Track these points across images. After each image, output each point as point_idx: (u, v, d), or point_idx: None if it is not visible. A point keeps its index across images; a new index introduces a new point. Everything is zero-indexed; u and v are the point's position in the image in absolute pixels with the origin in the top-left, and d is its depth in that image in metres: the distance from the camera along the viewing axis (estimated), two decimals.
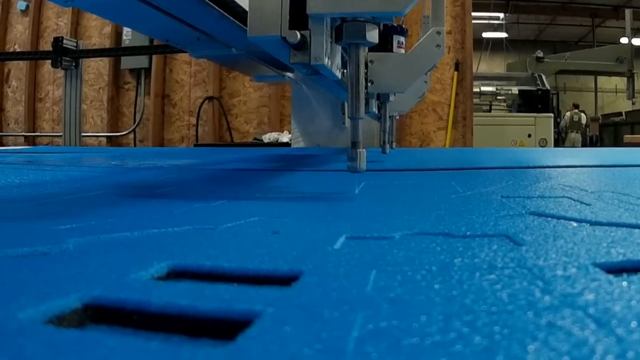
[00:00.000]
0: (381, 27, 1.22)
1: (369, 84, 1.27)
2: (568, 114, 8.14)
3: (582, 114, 8.07)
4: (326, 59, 0.74)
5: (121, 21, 1.51)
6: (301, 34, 0.71)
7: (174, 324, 0.24)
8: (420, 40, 1.27)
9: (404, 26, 1.34)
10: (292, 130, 3.12)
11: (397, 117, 2.62)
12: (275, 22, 0.71)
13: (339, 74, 0.88)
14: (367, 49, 1.27)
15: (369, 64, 1.26)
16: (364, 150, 0.73)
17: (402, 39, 1.31)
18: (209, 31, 1.32)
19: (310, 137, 3.02)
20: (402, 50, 1.31)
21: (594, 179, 0.95)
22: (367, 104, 1.42)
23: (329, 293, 0.27)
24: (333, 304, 0.25)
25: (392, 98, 1.50)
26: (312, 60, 0.73)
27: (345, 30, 0.72)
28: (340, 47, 0.85)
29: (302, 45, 0.72)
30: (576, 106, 8.31)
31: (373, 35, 0.72)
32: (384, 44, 1.28)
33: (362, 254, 0.36)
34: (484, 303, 0.25)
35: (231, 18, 1.20)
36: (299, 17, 0.71)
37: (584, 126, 8.02)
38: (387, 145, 1.65)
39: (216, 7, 1.14)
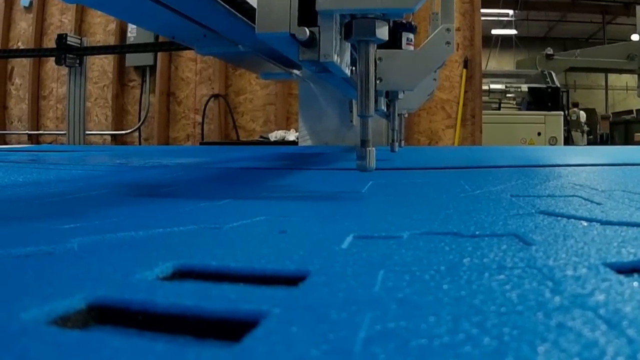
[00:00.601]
0: (391, 23, 1.21)
1: (377, 82, 1.26)
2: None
3: (581, 112, 7.99)
4: (335, 56, 0.74)
5: (126, 17, 1.51)
6: (310, 31, 0.71)
7: (179, 324, 0.24)
8: (430, 38, 1.26)
9: (413, 23, 1.33)
10: (299, 129, 3.11)
11: (406, 115, 2.61)
12: (284, 18, 0.71)
13: (348, 72, 0.88)
14: (376, 46, 1.27)
15: (378, 62, 1.25)
16: (374, 148, 0.73)
17: (411, 36, 1.30)
18: (216, 28, 1.32)
19: (317, 136, 3.01)
20: (411, 48, 1.30)
21: (605, 178, 0.94)
22: (376, 101, 1.42)
23: (336, 293, 0.27)
24: (340, 305, 0.25)
25: (400, 96, 1.49)
26: (321, 57, 0.72)
27: (355, 27, 0.71)
28: (349, 44, 0.84)
29: (311, 43, 0.72)
30: (575, 105, 8.24)
31: (383, 32, 0.72)
32: (393, 41, 1.27)
33: (370, 253, 0.36)
34: (493, 304, 0.25)
35: (238, 15, 1.20)
36: (308, 13, 0.71)
37: (582, 124, 7.94)
38: (396, 144, 1.65)
39: (223, 4, 1.14)
